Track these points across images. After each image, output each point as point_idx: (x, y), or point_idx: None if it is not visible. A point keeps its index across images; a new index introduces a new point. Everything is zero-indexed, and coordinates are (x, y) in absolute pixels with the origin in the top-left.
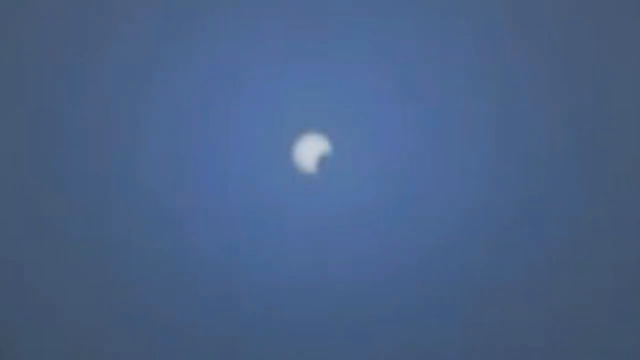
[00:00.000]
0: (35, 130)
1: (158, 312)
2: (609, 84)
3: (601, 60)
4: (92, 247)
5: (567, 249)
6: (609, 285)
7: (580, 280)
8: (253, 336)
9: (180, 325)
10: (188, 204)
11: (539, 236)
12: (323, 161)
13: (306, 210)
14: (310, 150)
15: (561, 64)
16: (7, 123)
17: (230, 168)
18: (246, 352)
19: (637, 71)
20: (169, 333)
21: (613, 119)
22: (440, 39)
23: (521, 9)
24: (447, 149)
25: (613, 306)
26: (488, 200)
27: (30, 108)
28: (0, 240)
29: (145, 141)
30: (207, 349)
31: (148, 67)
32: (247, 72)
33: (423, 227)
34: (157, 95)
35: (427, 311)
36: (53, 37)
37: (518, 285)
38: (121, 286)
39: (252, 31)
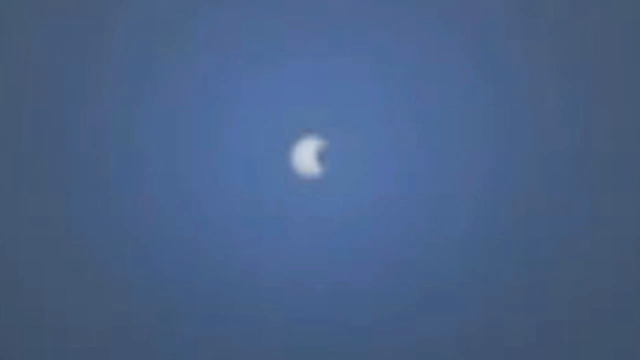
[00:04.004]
0: (33, 131)
1: (158, 316)
2: (609, 82)
3: (601, 58)
4: (91, 250)
5: (567, 249)
6: (609, 285)
7: (581, 280)
8: (254, 338)
9: (180, 329)
10: (186, 207)
11: (538, 237)
12: (322, 162)
13: (306, 211)
14: (309, 152)
15: (561, 64)
16: (5, 123)
17: (229, 169)
18: (247, 354)
19: (637, 69)
20: (169, 336)
21: (613, 117)
22: (439, 39)
23: (520, 8)
24: (448, 149)
25: (614, 306)
26: (489, 200)
27: (29, 109)
28: None
29: (143, 142)
30: (206, 352)
31: (145, 68)
32: (246, 73)
33: (423, 228)
34: (154, 96)
35: (428, 312)
36: (51, 37)
37: (518, 285)
38: (120, 289)
39: (250, 32)
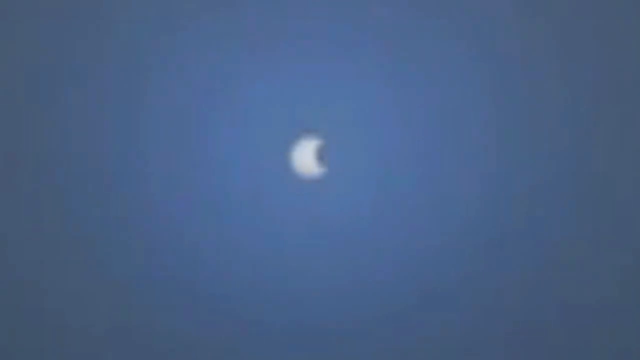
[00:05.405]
0: (33, 131)
1: (158, 316)
2: (610, 83)
3: (602, 58)
4: (90, 250)
5: (568, 249)
6: (610, 285)
7: (581, 280)
8: (254, 338)
9: (180, 329)
10: (186, 207)
11: (538, 238)
12: (322, 162)
13: (306, 211)
14: (309, 152)
15: (562, 65)
16: (5, 123)
17: (229, 169)
18: (247, 354)
19: (637, 68)
20: (169, 336)
21: (614, 118)
22: (440, 39)
23: (520, 8)
24: (448, 149)
25: (614, 306)
26: (489, 200)
27: (27, 108)
28: None
29: (143, 142)
30: (206, 352)
31: (144, 68)
32: (245, 73)
33: (423, 227)
34: (154, 96)
35: (428, 312)
36: (51, 36)
37: (518, 286)
38: (118, 290)
39: (250, 32)
